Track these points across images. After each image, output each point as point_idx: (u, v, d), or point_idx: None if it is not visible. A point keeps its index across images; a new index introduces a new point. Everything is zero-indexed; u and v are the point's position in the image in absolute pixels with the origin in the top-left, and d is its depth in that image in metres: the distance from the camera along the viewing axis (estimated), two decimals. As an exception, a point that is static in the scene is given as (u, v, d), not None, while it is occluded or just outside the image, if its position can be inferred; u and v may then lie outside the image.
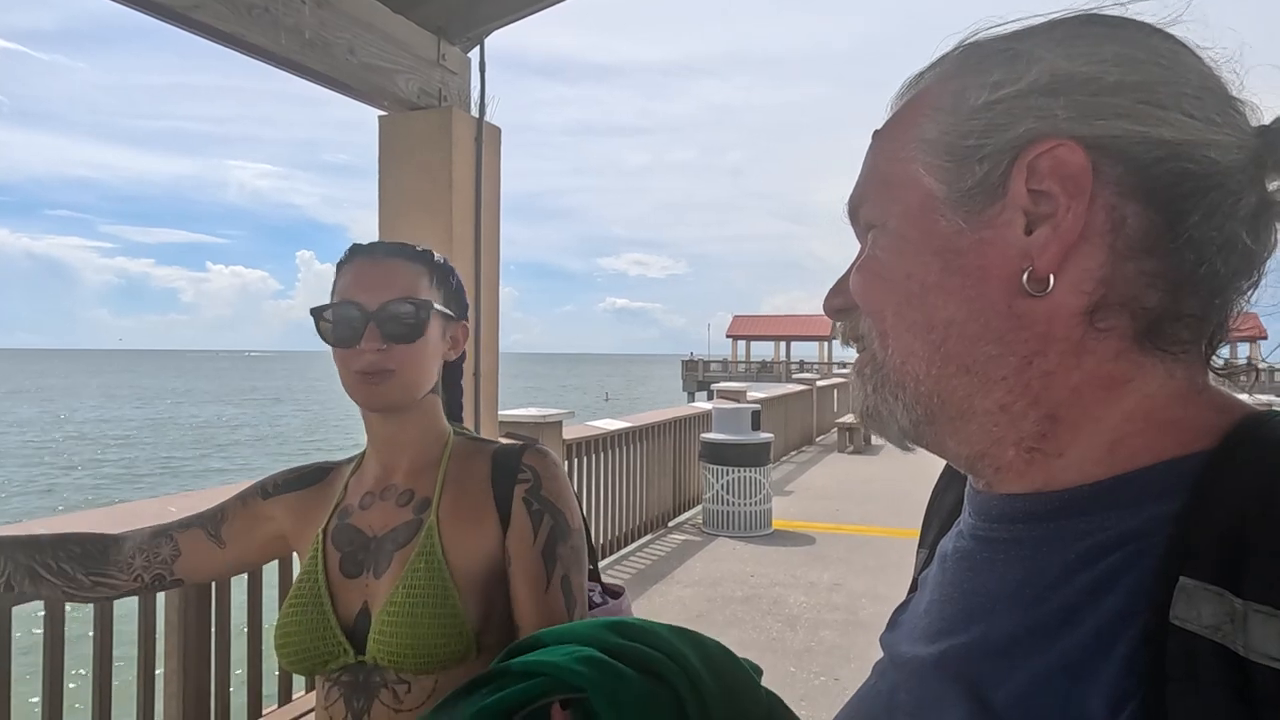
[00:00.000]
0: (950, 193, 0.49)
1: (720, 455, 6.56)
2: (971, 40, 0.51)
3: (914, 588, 0.64)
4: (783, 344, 57.86)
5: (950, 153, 0.49)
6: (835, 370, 20.14)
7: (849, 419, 11.96)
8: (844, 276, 0.57)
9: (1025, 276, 0.46)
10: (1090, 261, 0.45)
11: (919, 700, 0.51)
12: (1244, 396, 0.48)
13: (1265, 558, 0.37)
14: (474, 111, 2.99)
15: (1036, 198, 0.46)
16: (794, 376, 13.82)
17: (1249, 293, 0.47)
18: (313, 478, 1.23)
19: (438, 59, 2.87)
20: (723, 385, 8.43)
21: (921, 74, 0.54)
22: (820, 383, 13.60)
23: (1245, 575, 0.37)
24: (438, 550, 1.08)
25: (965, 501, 0.56)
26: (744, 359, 56.67)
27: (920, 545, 0.68)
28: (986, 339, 0.47)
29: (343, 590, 1.11)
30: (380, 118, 2.90)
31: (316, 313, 1.12)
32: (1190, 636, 0.38)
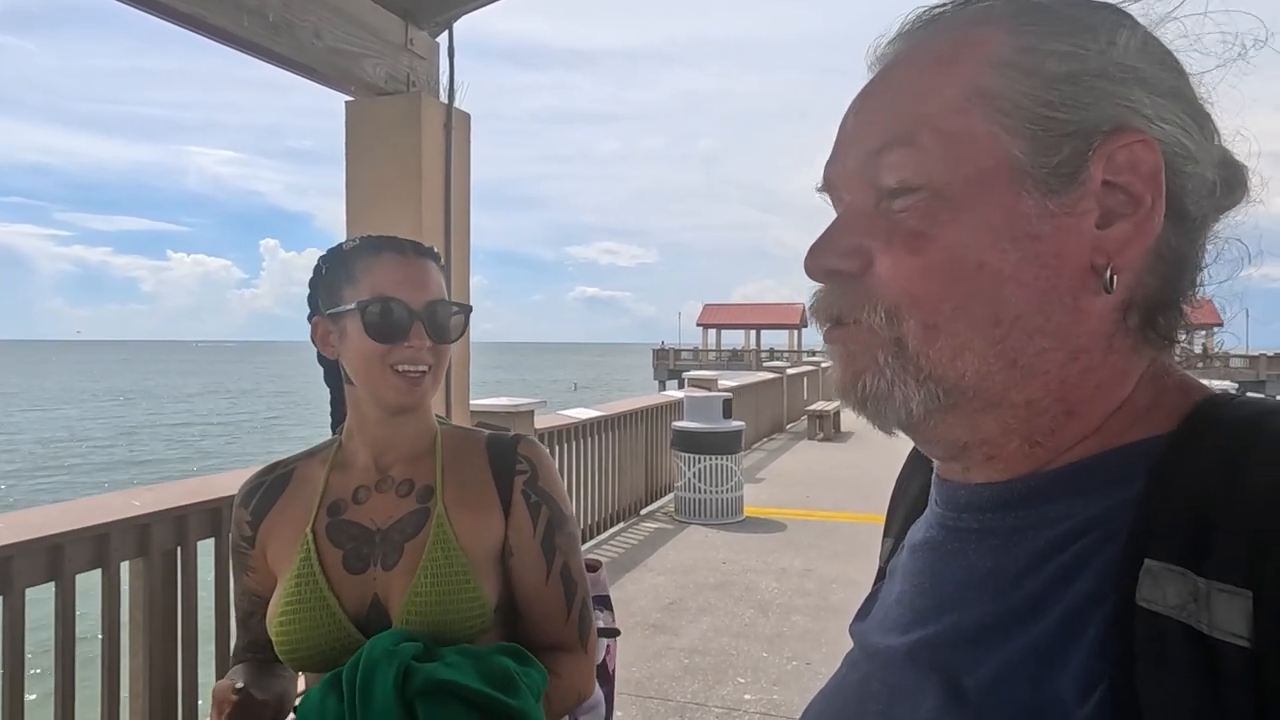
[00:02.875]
0: (1035, 166, 0.45)
1: (692, 443, 6.58)
2: None
3: (880, 576, 0.64)
4: (753, 332, 58.18)
5: (1033, 120, 0.45)
6: (805, 358, 20.30)
7: (819, 406, 12.06)
8: (838, 230, 0.50)
9: (1107, 272, 0.44)
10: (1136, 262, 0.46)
11: (892, 690, 0.51)
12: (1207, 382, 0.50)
13: (1226, 537, 0.38)
14: (443, 97, 2.95)
15: (1109, 190, 0.45)
16: (764, 365, 13.89)
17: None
18: (278, 486, 1.21)
19: (405, 43, 2.82)
20: (694, 374, 8.45)
21: (956, 6, 0.49)
22: (790, 371, 13.69)
23: (1207, 555, 0.38)
24: (451, 537, 1.11)
25: (932, 490, 0.56)
26: (714, 347, 56.91)
27: (885, 533, 0.68)
28: (1046, 333, 0.45)
29: (347, 586, 1.10)
30: (347, 103, 2.85)
31: (364, 305, 1.11)
32: (1157, 617, 0.38)
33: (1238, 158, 0.47)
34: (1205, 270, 0.48)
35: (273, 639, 1.10)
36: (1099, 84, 0.44)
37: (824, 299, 0.51)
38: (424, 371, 1.13)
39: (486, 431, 1.25)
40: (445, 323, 1.16)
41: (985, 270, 0.45)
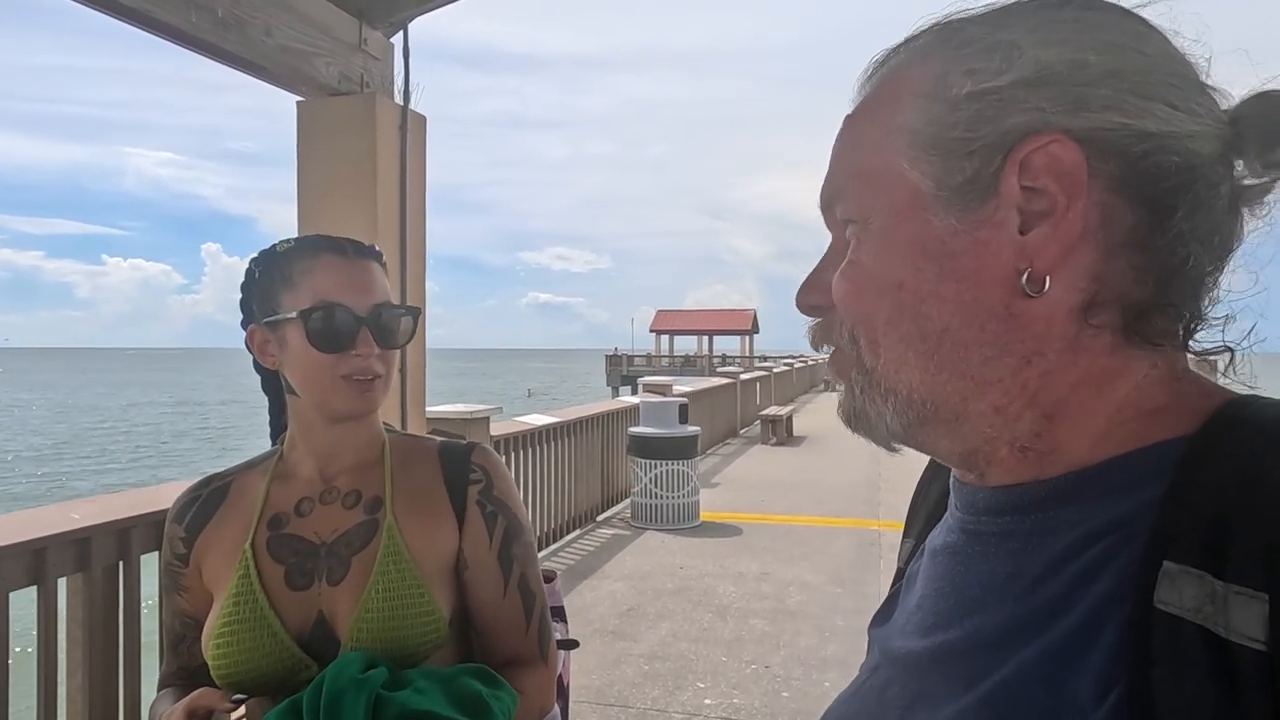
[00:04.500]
0: (939, 189, 0.47)
1: (648, 449, 6.58)
2: (946, 21, 0.49)
3: (899, 577, 0.64)
4: (705, 338, 58.50)
5: (936, 146, 0.47)
6: (757, 364, 20.50)
7: (772, 411, 12.18)
8: (819, 270, 0.54)
9: (1025, 277, 0.44)
10: (1084, 259, 0.45)
11: (913, 695, 0.51)
12: (1223, 381, 0.49)
13: (1245, 540, 0.37)
14: (398, 98, 2.90)
15: (1030, 195, 0.45)
16: (718, 370, 13.99)
17: (1217, 278, 0.47)
18: (215, 500, 1.15)
19: (359, 43, 2.77)
20: (649, 379, 8.45)
21: (891, 52, 0.52)
22: (744, 376, 13.79)
23: (1226, 558, 0.37)
24: (402, 548, 1.06)
25: (951, 494, 0.56)
26: (667, 353, 57.10)
27: (905, 535, 0.68)
28: (983, 343, 0.46)
29: (290, 604, 1.05)
30: (299, 103, 2.78)
31: (306, 314, 1.05)
32: (1174, 620, 0.38)
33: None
34: (1221, 270, 0.46)
35: (209, 661, 1.04)
36: (1004, 94, 0.45)
37: (815, 330, 0.56)
38: (374, 379, 1.08)
39: (438, 439, 1.21)
40: (393, 327, 1.10)
41: (905, 289, 0.48)
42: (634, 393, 8.26)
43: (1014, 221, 0.45)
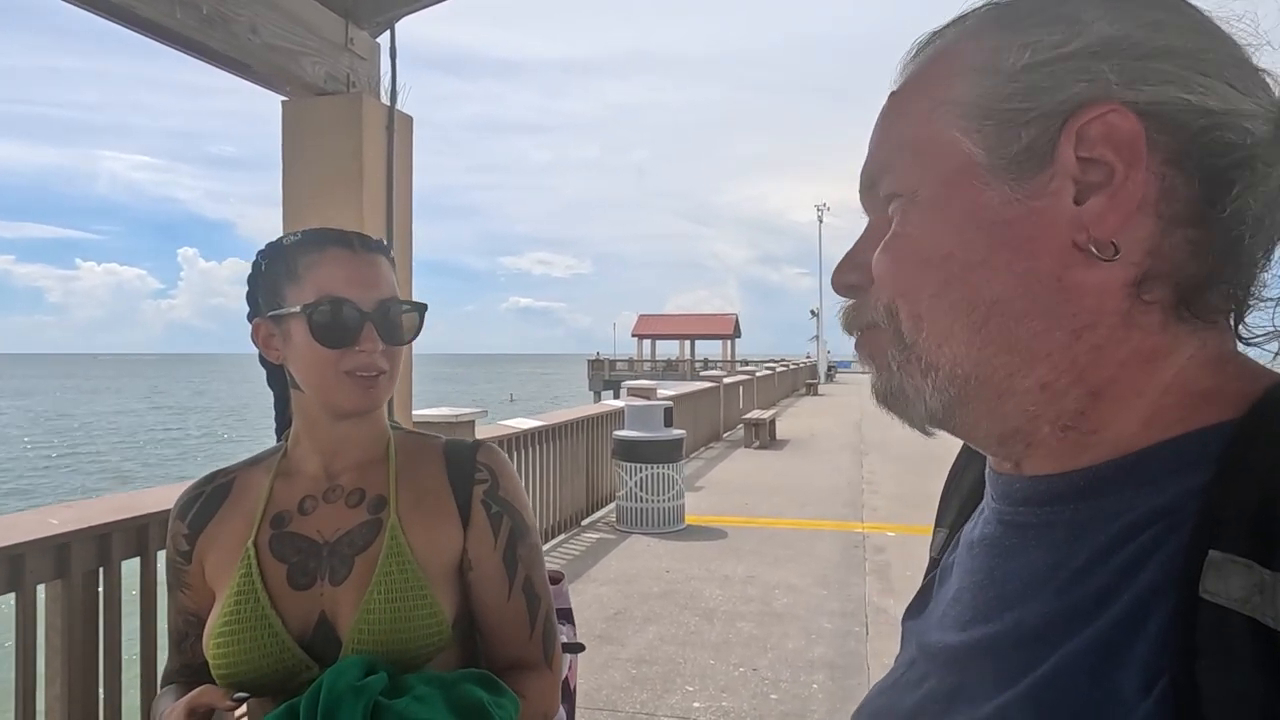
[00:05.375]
0: (993, 159, 0.46)
1: (633, 452, 6.57)
2: (997, 1, 0.49)
3: (932, 567, 0.63)
4: (687, 342, 58.60)
5: (989, 116, 0.46)
6: (739, 368, 20.55)
7: (755, 415, 12.20)
8: (856, 250, 0.53)
9: (1092, 246, 0.44)
10: (1140, 231, 0.44)
11: (951, 689, 0.50)
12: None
13: None
14: (384, 98, 2.87)
15: (1086, 165, 0.44)
16: (701, 374, 14.00)
17: (1270, 261, 0.46)
18: (218, 496, 1.13)
19: (346, 43, 2.74)
20: (633, 383, 8.45)
21: (936, 34, 0.52)
22: (726, 380, 13.82)
23: (1274, 546, 0.36)
24: (405, 549, 1.04)
25: (987, 485, 0.55)
26: (650, 357, 57.12)
27: (938, 524, 0.66)
28: (1034, 314, 0.45)
29: (292, 603, 1.03)
30: (284, 103, 2.75)
31: (310, 309, 1.03)
32: (1220, 610, 0.37)
33: None
34: (1271, 254, 0.46)
35: (209, 660, 1.02)
36: (1060, 66, 0.45)
37: (848, 313, 0.54)
38: (378, 375, 1.06)
39: (444, 437, 1.19)
40: (398, 323, 1.08)
41: (954, 259, 0.47)
42: (616, 397, 8.24)
43: (1069, 191, 0.44)
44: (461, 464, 1.12)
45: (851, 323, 0.54)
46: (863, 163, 0.54)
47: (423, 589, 1.02)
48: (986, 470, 0.55)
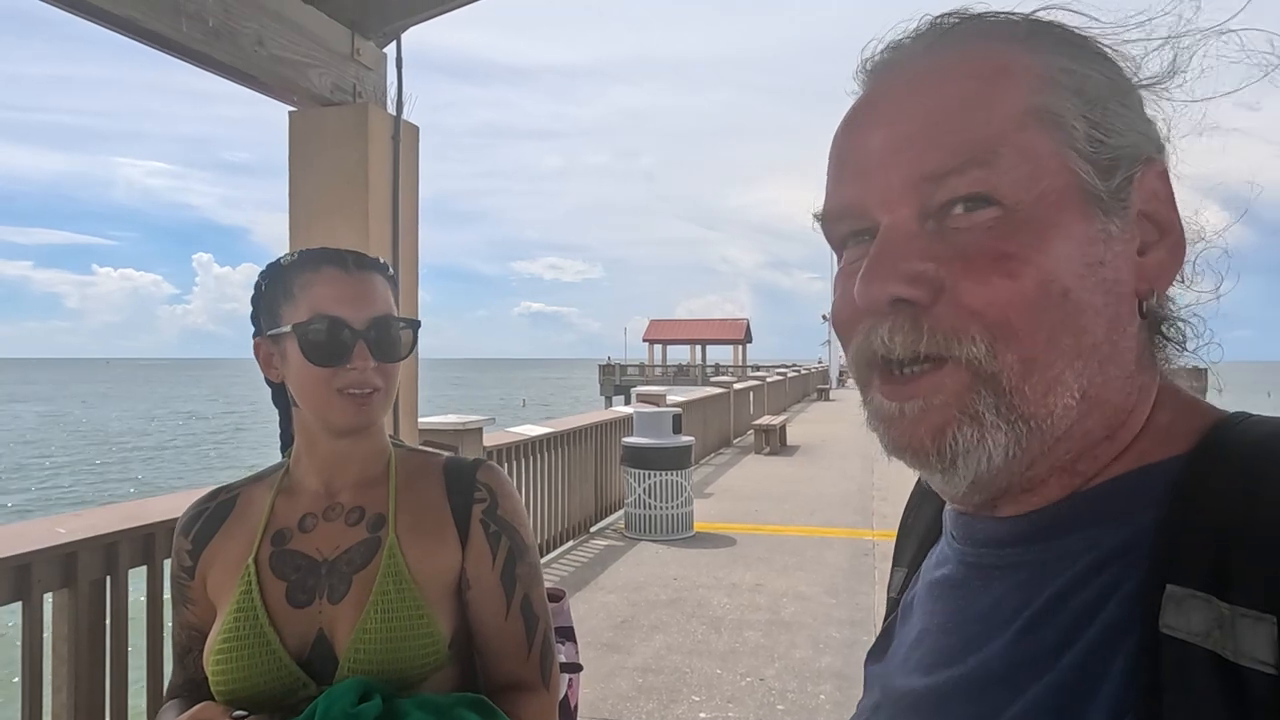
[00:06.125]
0: (1099, 190, 0.43)
1: (642, 459, 6.56)
2: (1035, 17, 0.46)
3: (892, 608, 0.62)
4: (698, 347, 58.55)
5: (1089, 142, 0.43)
6: (750, 373, 20.51)
7: (765, 421, 12.17)
8: (904, 253, 0.44)
9: (1155, 298, 0.45)
10: None
11: None
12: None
13: (1249, 562, 0.37)
14: (390, 108, 2.89)
15: (1142, 218, 0.45)
16: (711, 380, 13.98)
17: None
18: (221, 513, 1.14)
19: (352, 54, 2.76)
20: (643, 389, 8.44)
21: (964, 20, 0.47)
22: (737, 386, 13.79)
23: (1231, 580, 0.37)
24: (403, 568, 1.04)
25: (946, 522, 0.54)
26: (660, 362, 57.10)
27: (896, 563, 0.66)
28: (1112, 361, 0.44)
29: (290, 621, 1.03)
30: (291, 113, 2.77)
31: (301, 328, 1.04)
32: (1182, 645, 0.37)
33: None
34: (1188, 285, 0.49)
35: (209, 677, 1.02)
36: (1126, 111, 0.45)
37: (894, 334, 0.44)
38: (372, 393, 1.06)
39: (445, 455, 1.19)
40: (392, 340, 1.08)
41: (1070, 298, 0.42)
42: (627, 402, 8.24)
43: (1136, 241, 0.45)
44: (461, 483, 1.12)
45: (901, 348, 0.44)
46: (878, 151, 0.45)
47: (419, 609, 1.02)
48: (946, 508, 0.54)
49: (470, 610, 1.09)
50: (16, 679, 2.01)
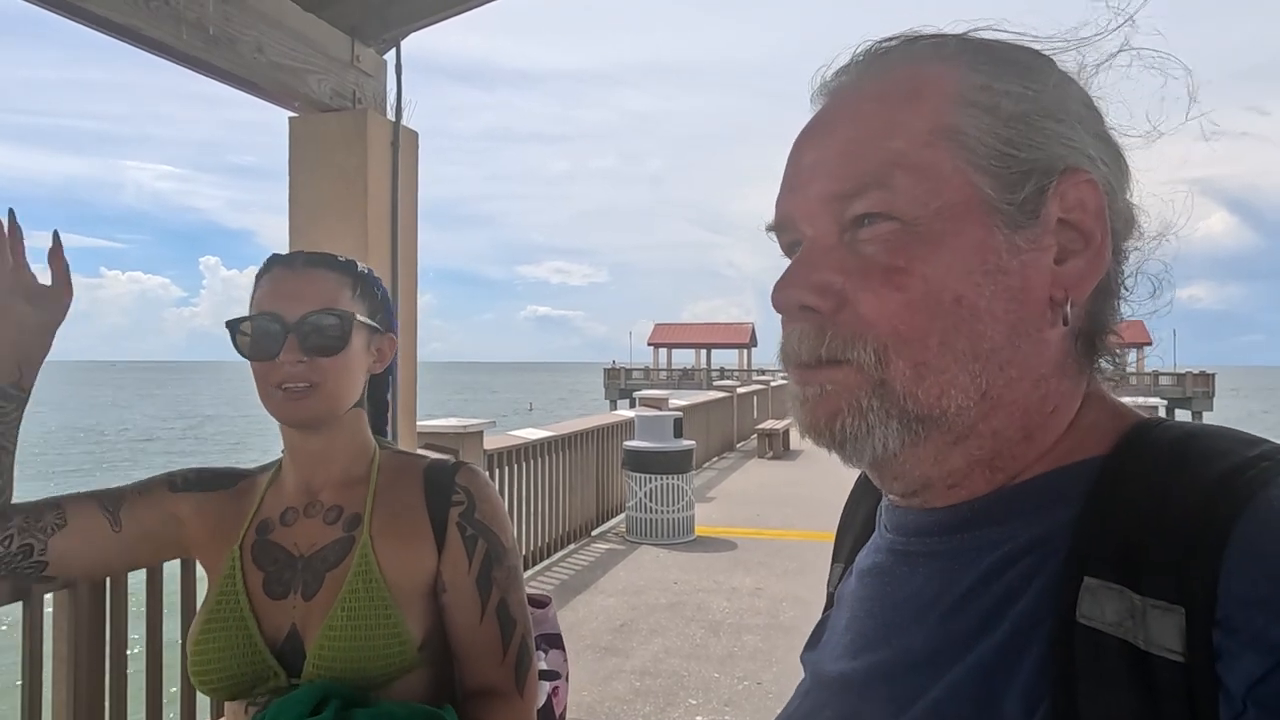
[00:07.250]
0: (1000, 202, 0.45)
1: (643, 463, 6.56)
2: (967, 36, 0.49)
3: (830, 603, 0.64)
4: (703, 351, 58.51)
5: (995, 157, 0.46)
6: (755, 377, 20.50)
7: (769, 425, 12.16)
8: (809, 266, 0.48)
9: (1069, 306, 0.46)
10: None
11: (849, 716, 0.51)
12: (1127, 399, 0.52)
13: (1158, 555, 0.39)
14: (390, 115, 2.91)
15: (1063, 227, 0.46)
16: (715, 384, 13.98)
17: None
18: (224, 482, 1.17)
19: (352, 60, 2.79)
20: (645, 393, 8.45)
21: (894, 47, 0.50)
22: (740, 390, 13.79)
23: (1142, 573, 0.39)
24: (374, 569, 1.05)
25: (880, 515, 0.56)
26: (665, 366, 57.07)
27: (835, 559, 0.68)
28: (1014, 364, 0.46)
29: (268, 611, 1.06)
30: (291, 119, 2.80)
31: (234, 325, 1.07)
32: (1096, 634, 0.39)
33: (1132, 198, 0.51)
34: (1129, 294, 0.51)
35: (188, 657, 1.05)
36: (1048, 124, 0.46)
37: (803, 340, 0.48)
38: (307, 387, 1.05)
39: (429, 458, 1.19)
40: (324, 334, 1.06)
41: (963, 304, 0.45)
42: (632, 406, 8.25)
43: (1053, 250, 0.46)
44: (439, 485, 1.12)
45: (805, 352, 0.48)
46: (806, 167, 0.49)
47: (388, 609, 1.03)
48: (883, 502, 0.56)
49: (446, 613, 1.09)
50: (17, 680, 2.03)
